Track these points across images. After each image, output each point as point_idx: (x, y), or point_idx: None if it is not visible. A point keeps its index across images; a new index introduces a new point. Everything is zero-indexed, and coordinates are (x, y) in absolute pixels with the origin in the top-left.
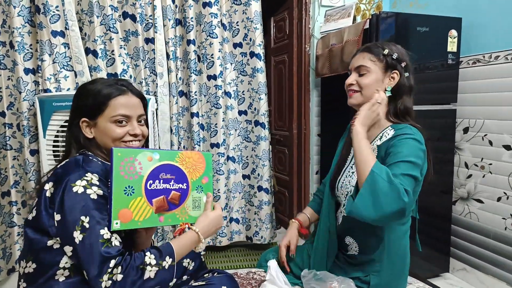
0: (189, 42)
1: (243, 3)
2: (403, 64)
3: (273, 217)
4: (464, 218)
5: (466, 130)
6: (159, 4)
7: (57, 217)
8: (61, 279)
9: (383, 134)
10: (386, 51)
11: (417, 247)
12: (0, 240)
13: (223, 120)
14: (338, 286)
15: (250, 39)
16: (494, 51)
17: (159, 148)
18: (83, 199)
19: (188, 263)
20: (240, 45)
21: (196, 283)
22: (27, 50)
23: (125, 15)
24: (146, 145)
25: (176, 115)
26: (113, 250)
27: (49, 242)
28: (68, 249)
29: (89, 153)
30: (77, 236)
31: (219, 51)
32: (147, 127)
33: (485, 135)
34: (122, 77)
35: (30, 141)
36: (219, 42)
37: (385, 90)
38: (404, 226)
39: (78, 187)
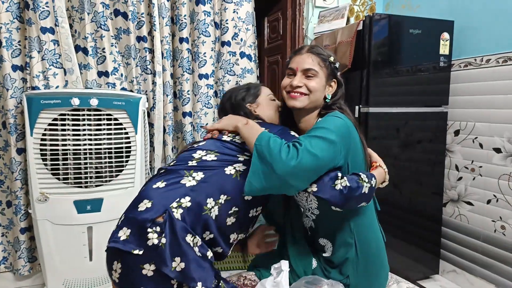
0: (181, 40)
1: (235, 2)
2: (339, 74)
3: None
4: (454, 220)
5: (457, 133)
6: (155, 1)
7: None
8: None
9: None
10: (331, 59)
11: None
12: None
13: (213, 120)
14: None
15: (241, 39)
16: (486, 54)
17: (153, 148)
18: None
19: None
20: (228, 44)
21: None
22: (15, 46)
23: (116, 12)
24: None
25: (169, 114)
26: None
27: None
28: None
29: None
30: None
31: (212, 50)
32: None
33: (476, 137)
34: (114, 75)
35: (16, 139)
36: (212, 41)
37: (325, 97)
38: (368, 217)
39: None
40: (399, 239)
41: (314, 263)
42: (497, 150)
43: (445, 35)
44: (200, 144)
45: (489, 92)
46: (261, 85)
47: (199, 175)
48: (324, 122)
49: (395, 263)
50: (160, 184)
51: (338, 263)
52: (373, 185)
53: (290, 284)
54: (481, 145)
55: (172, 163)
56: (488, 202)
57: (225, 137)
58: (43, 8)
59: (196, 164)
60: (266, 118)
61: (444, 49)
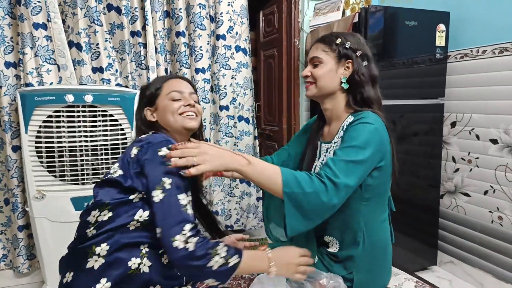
0: (178, 34)
1: None
2: (358, 53)
3: (257, 209)
4: (452, 212)
5: (453, 125)
6: None
7: (141, 176)
8: (132, 228)
9: (344, 124)
10: (338, 41)
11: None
12: None
13: (210, 115)
14: (327, 282)
15: (236, 33)
16: (482, 45)
17: None
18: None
19: None
20: (223, 37)
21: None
22: (8, 43)
23: (109, 7)
24: (199, 131)
25: None
26: (189, 217)
27: (131, 197)
28: (147, 206)
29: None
30: (157, 195)
31: (208, 43)
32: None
33: (472, 129)
34: (108, 71)
35: (11, 137)
36: (208, 34)
37: (341, 81)
38: (380, 217)
39: (163, 152)
40: (397, 231)
41: (316, 259)
42: (494, 141)
43: (441, 26)
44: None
45: (485, 83)
46: (169, 78)
47: (103, 249)
48: (355, 134)
49: (393, 255)
50: (68, 277)
51: (343, 259)
52: (231, 266)
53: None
54: (477, 137)
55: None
56: (485, 193)
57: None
58: (35, 3)
59: (95, 232)
60: (167, 126)
61: (440, 41)
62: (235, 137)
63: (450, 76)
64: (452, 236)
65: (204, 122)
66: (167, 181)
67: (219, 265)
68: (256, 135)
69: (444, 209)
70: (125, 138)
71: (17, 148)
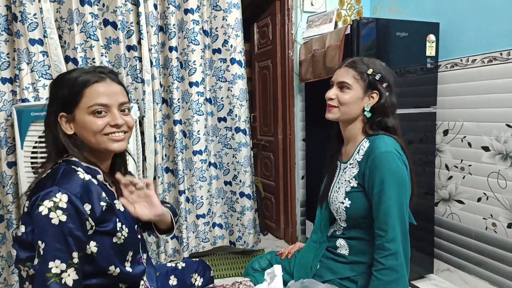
0: (171, 48)
1: (223, 10)
2: (384, 85)
3: (256, 223)
4: (446, 219)
5: (446, 133)
6: (142, 11)
7: (29, 234)
8: None
9: (359, 147)
10: (370, 71)
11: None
12: None
13: (205, 127)
14: None
15: (231, 46)
16: (471, 54)
17: (144, 157)
18: (43, 222)
19: (196, 279)
20: (219, 51)
21: None
22: (4, 59)
23: (105, 22)
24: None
25: (159, 122)
26: None
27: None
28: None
29: (73, 159)
30: (36, 259)
31: (201, 57)
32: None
33: (464, 137)
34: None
35: (7, 153)
36: (201, 49)
37: (363, 109)
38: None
39: (44, 207)
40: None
41: (318, 265)
42: (486, 149)
43: (431, 36)
44: None
45: (475, 92)
46: (93, 81)
47: None
48: (382, 174)
49: None
50: None
51: (351, 262)
52: None
53: (285, 284)
54: (469, 144)
55: None
56: (479, 200)
57: None
58: (31, 20)
59: None
60: (87, 142)
61: (430, 51)
62: (233, 148)
63: (441, 85)
64: (448, 243)
65: (198, 134)
66: (41, 246)
67: None
68: (251, 145)
69: (439, 216)
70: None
71: (12, 164)
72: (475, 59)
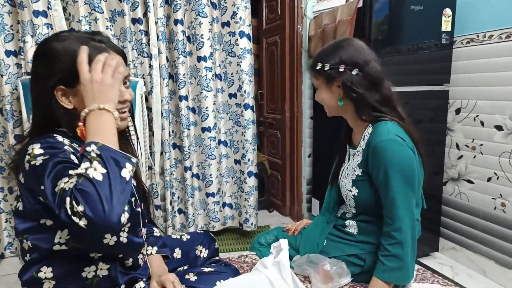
0: (176, 22)
1: None
2: (341, 68)
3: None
4: (454, 199)
5: (458, 111)
6: None
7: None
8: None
9: (364, 134)
10: (318, 66)
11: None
12: None
13: (214, 103)
14: (330, 268)
15: (240, 18)
16: (488, 30)
17: (152, 133)
18: (29, 174)
19: (201, 251)
20: (228, 24)
21: (207, 269)
22: (8, 31)
23: None
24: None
25: (166, 98)
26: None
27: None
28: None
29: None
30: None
31: (209, 31)
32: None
33: (477, 115)
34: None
35: (14, 126)
36: (209, 22)
37: (338, 101)
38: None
39: (25, 164)
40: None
41: (324, 242)
42: (499, 128)
43: (447, 10)
44: None
45: (491, 69)
46: (99, 50)
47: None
48: (385, 164)
49: None
50: None
51: (360, 241)
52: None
53: (291, 259)
54: (482, 123)
55: None
56: (489, 179)
57: None
58: None
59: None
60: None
61: (446, 26)
62: (242, 126)
63: (456, 62)
64: (455, 223)
65: (207, 110)
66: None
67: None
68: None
69: (447, 196)
70: (128, 127)
71: (19, 137)
72: (492, 35)
